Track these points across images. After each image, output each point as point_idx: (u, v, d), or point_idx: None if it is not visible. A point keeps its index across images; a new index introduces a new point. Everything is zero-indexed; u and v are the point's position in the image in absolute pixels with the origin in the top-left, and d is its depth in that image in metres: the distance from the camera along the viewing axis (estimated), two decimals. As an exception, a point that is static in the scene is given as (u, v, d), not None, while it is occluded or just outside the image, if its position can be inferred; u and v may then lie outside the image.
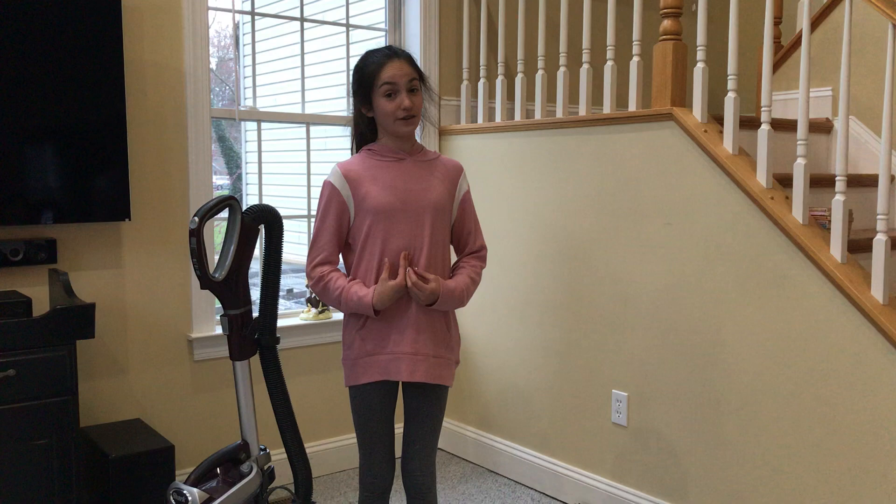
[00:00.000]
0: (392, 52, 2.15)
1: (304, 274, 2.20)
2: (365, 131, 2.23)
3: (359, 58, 2.20)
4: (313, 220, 3.69)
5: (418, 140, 2.35)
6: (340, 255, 2.19)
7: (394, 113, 2.11)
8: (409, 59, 2.17)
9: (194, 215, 1.88)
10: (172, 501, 1.89)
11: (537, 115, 3.33)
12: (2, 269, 2.68)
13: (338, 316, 3.53)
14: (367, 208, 2.12)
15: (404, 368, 2.13)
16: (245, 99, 6.39)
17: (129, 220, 2.85)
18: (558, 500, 3.25)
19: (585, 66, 3.13)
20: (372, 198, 2.12)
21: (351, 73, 2.22)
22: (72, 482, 2.46)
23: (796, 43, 3.69)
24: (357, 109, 2.20)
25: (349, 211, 2.14)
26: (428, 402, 2.22)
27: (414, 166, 2.21)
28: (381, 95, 2.12)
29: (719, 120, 2.73)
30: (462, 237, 2.31)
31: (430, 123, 2.42)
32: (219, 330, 3.15)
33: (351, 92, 2.22)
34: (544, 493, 3.30)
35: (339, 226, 2.14)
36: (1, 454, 2.33)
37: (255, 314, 2.11)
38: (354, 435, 3.58)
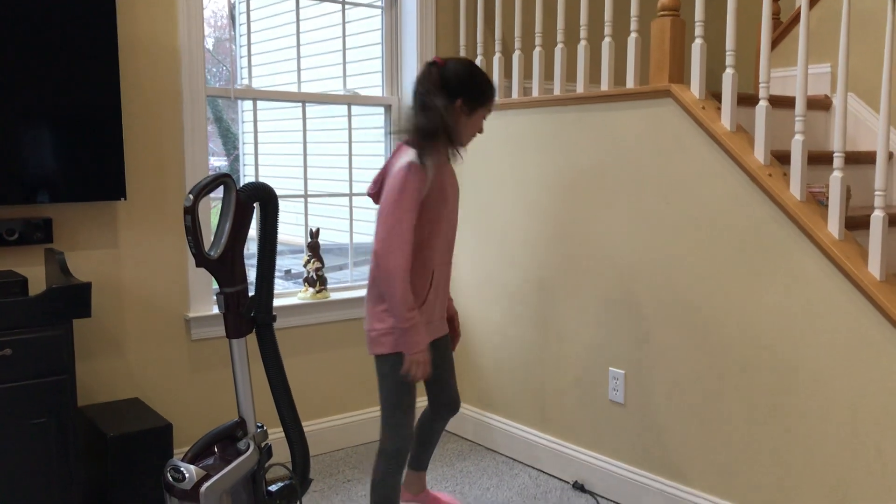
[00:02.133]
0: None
1: (375, 251, 2.29)
2: (447, 126, 2.33)
3: (473, 67, 2.41)
4: (310, 201, 3.70)
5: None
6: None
7: (475, 132, 2.47)
8: None
9: (189, 193, 1.87)
10: (170, 478, 1.90)
11: (535, 93, 3.31)
12: (-3, 248, 2.67)
13: (336, 296, 3.53)
14: (440, 200, 2.39)
15: (438, 329, 2.58)
16: (241, 79, 6.35)
17: (125, 199, 2.84)
18: (556, 477, 3.26)
19: (583, 42, 3.11)
20: (442, 191, 2.40)
21: (463, 75, 2.36)
22: (70, 461, 2.47)
23: (795, 19, 3.66)
24: (452, 105, 2.33)
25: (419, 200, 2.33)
26: (448, 350, 2.71)
27: (448, 172, 2.52)
28: (480, 115, 2.44)
29: (717, 97, 2.71)
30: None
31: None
32: (216, 309, 3.14)
33: (456, 90, 2.33)
34: (542, 471, 3.31)
35: (416, 214, 2.32)
36: (0, 432, 2.34)
37: (252, 293, 2.11)
38: (352, 415, 3.62)
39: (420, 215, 2.32)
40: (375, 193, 2.45)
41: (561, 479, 3.24)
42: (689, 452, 2.80)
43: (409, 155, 2.29)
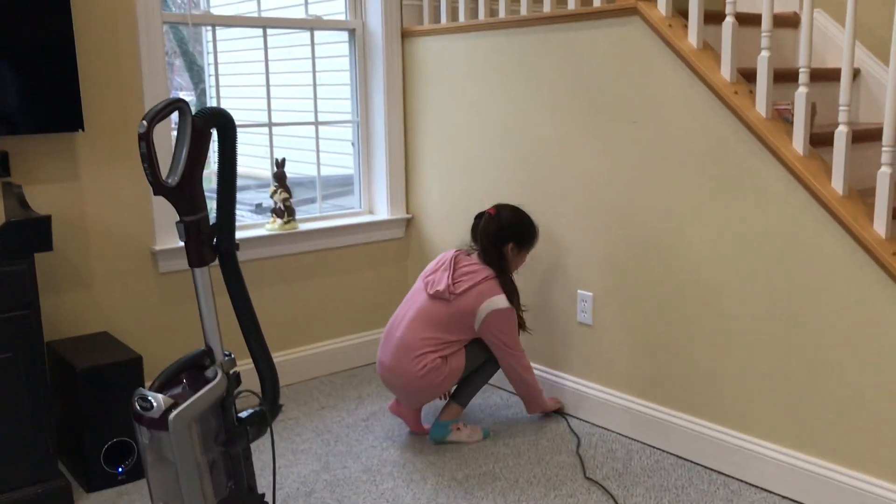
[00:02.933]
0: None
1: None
2: (498, 261, 2.92)
3: (529, 218, 2.98)
4: (275, 129, 3.63)
5: None
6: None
7: (518, 267, 3.01)
8: None
9: (142, 119, 1.82)
10: (138, 407, 1.89)
11: (501, 14, 3.24)
12: (-48, 183, 2.61)
13: (305, 226, 3.50)
14: None
15: None
16: (203, 4, 6.16)
17: (83, 130, 2.77)
18: (527, 399, 3.31)
19: (549, -40, 3.03)
20: None
21: (521, 226, 2.96)
22: (40, 394, 2.46)
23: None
24: (508, 247, 2.92)
25: None
26: None
27: None
28: (525, 255, 3.00)
29: (684, 14, 2.67)
30: None
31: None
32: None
33: (512, 236, 2.92)
34: (513, 394, 3.36)
35: None
36: (-36, 369, 2.32)
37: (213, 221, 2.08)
38: (323, 344, 3.62)
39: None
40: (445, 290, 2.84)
41: (532, 401, 3.29)
42: (656, 372, 2.85)
43: (502, 299, 2.85)
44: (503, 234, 2.90)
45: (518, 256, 2.97)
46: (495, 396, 3.37)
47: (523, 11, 3.15)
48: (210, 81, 7.09)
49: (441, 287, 2.83)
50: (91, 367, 2.58)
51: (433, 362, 2.80)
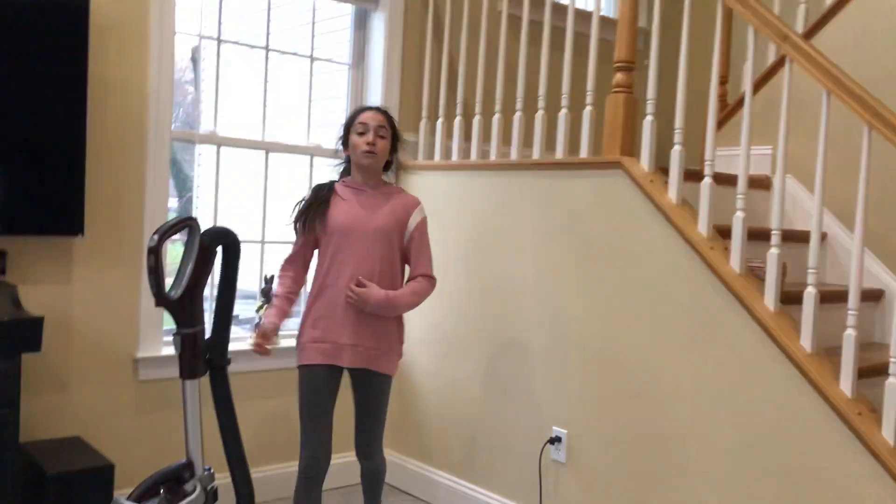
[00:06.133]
0: (372, 106, 2.79)
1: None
2: (343, 172, 2.79)
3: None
4: (267, 245, 3.73)
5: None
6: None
7: (360, 146, 2.66)
8: (384, 113, 2.74)
9: (154, 233, 1.91)
10: (113, 517, 1.89)
11: (492, 157, 3.43)
12: (-51, 278, 2.65)
13: (286, 343, 3.54)
14: (330, 226, 2.66)
15: (345, 356, 2.63)
16: (201, 124, 6.38)
17: (83, 235, 2.85)
18: (495, 534, 3.29)
19: (541, 112, 3.25)
20: (332, 218, 2.65)
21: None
22: (7, 498, 2.42)
23: (741, 102, 3.86)
24: (340, 151, 2.76)
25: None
26: (370, 390, 2.70)
27: (373, 197, 2.72)
28: (355, 133, 2.68)
29: (666, 171, 2.85)
30: (410, 262, 2.76)
31: (401, 170, 2.91)
32: (165, 351, 3.15)
33: (339, 138, 2.76)
34: None
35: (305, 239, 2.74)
36: (-64, 465, 2.30)
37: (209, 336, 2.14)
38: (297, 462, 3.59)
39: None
40: None
41: (500, 537, 3.26)
42: (626, 513, 2.86)
43: None
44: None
45: (353, 140, 2.70)
46: None
47: (513, 156, 3.34)
48: (199, 192, 7.24)
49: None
50: (62, 472, 2.56)
51: None
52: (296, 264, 2.77)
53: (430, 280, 2.77)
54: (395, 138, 2.76)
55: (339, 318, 2.63)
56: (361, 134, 2.66)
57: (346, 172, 2.82)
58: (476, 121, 3.52)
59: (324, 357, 2.64)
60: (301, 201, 2.76)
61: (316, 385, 2.64)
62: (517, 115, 3.35)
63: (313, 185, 2.81)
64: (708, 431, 2.63)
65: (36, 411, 2.87)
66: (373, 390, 2.72)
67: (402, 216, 2.73)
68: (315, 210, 2.67)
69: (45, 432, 2.90)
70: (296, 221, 2.72)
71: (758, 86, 3.82)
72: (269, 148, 3.58)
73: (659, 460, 2.76)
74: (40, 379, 2.88)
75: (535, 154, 3.25)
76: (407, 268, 2.80)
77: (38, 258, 2.86)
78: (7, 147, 2.68)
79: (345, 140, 2.75)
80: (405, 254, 2.75)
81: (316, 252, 2.76)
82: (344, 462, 3.75)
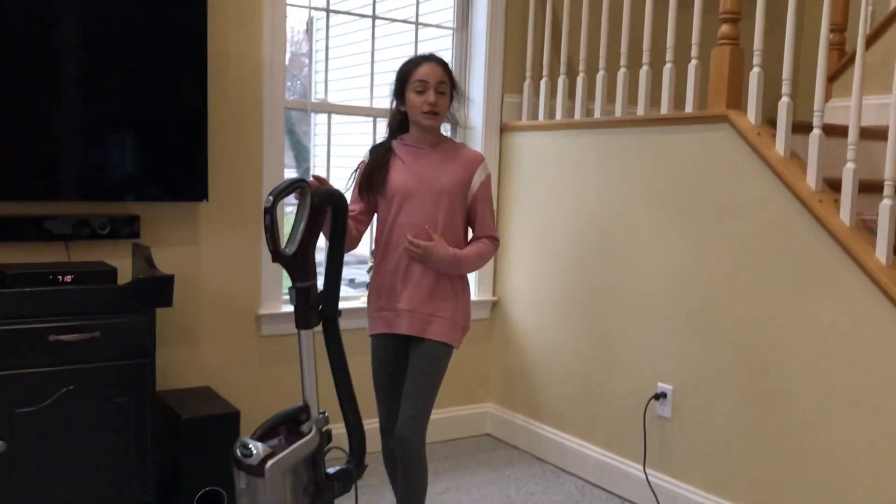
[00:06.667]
0: (429, 56, 2.53)
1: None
2: (395, 126, 2.59)
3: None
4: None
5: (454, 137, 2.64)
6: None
7: (420, 107, 2.47)
8: (443, 64, 2.52)
9: (269, 195, 2.05)
10: (239, 454, 2.06)
11: (597, 115, 3.43)
12: (92, 241, 2.91)
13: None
14: (392, 189, 2.51)
15: (403, 323, 2.50)
16: (316, 93, 6.60)
17: (207, 200, 3.06)
18: (601, 487, 3.35)
19: (645, 67, 3.22)
20: (392, 181, 2.51)
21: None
22: (147, 438, 2.67)
23: (860, 50, 3.69)
24: (394, 105, 2.56)
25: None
26: (420, 358, 2.50)
27: (433, 156, 2.55)
28: (413, 91, 2.48)
29: (773, 124, 2.79)
30: (473, 223, 2.62)
31: (459, 125, 2.70)
32: (285, 308, 3.34)
33: (392, 90, 2.56)
34: (587, 482, 3.40)
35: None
36: (86, 407, 2.56)
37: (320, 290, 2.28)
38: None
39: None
40: None
41: (606, 490, 3.32)
42: (732, 468, 2.86)
43: None
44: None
45: (411, 99, 2.50)
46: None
47: (618, 113, 3.33)
48: (316, 162, 7.51)
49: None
50: (194, 417, 2.78)
51: None
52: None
53: (494, 242, 2.63)
54: (454, 90, 2.56)
55: (400, 283, 2.50)
56: (420, 92, 2.46)
57: (398, 128, 2.61)
58: (580, 79, 3.52)
59: (386, 325, 2.53)
60: (359, 165, 2.61)
61: (380, 355, 2.59)
62: (621, 72, 3.33)
63: (370, 147, 2.65)
64: (822, 384, 2.58)
65: (170, 363, 3.12)
66: (422, 358, 2.49)
67: (465, 176, 2.55)
68: (377, 174, 2.52)
69: (179, 382, 3.15)
70: (358, 187, 2.57)
71: (880, 32, 3.65)
72: (376, 115, 3.70)
73: (767, 416, 2.74)
74: (173, 334, 3.12)
75: (640, 110, 3.23)
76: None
77: (168, 222, 3.09)
78: (137, 122, 2.91)
79: (399, 92, 2.54)
80: (469, 213, 2.59)
81: (375, 217, 2.63)
82: (445, 417, 3.88)
